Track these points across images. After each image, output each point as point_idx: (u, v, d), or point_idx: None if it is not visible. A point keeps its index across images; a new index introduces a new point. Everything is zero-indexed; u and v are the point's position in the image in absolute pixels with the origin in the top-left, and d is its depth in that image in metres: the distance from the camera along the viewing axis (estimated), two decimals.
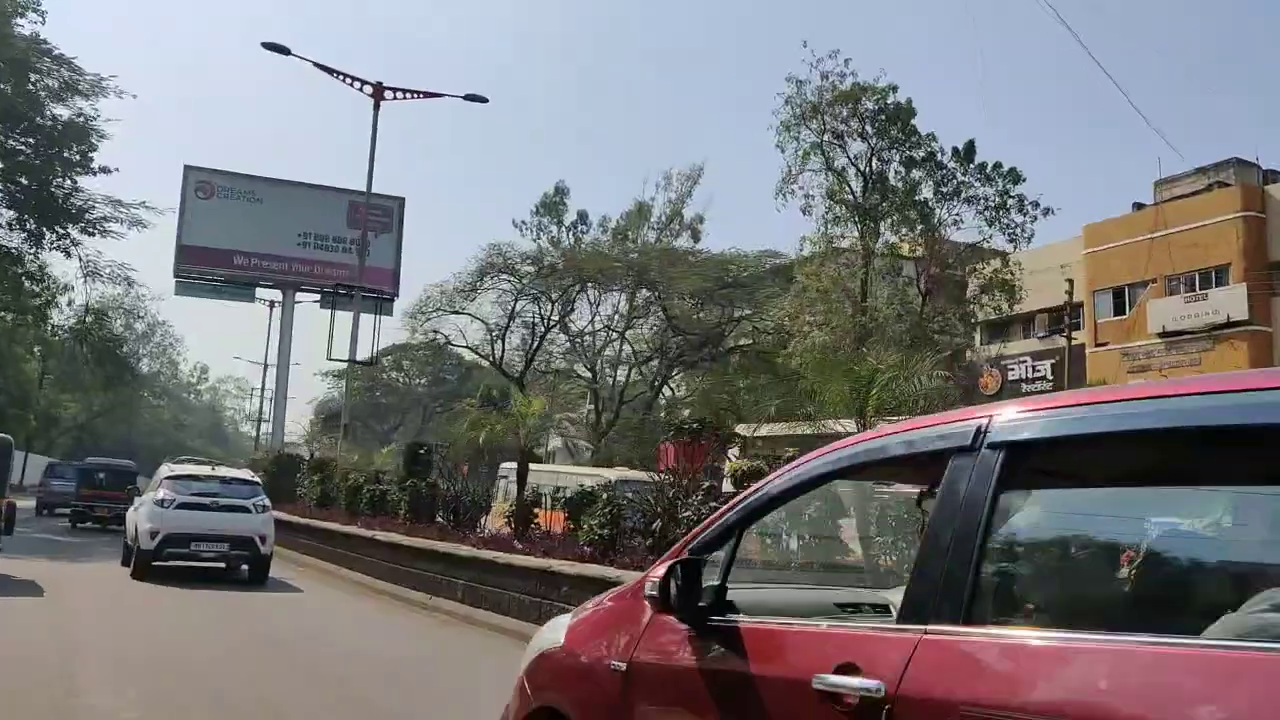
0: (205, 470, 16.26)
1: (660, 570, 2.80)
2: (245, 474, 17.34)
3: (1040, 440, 2.16)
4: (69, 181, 27.77)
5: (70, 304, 30.85)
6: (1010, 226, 24.45)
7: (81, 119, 27.12)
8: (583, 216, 43.64)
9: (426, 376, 65.78)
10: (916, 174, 25.92)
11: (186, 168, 33.89)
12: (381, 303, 29.14)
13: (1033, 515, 2.42)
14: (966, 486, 2.16)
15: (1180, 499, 2.28)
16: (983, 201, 24.45)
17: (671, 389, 38.57)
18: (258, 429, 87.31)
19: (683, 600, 2.72)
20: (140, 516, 14.67)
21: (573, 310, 34.46)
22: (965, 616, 2.05)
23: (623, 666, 2.89)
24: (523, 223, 41.72)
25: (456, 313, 35.39)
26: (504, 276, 34.62)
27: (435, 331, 35.46)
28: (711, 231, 44.59)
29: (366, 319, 37.70)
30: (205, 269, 33.39)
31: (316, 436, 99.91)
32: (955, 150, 25.08)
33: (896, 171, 26.17)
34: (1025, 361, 32.12)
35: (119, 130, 75.66)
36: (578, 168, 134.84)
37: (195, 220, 32.82)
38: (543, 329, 34.52)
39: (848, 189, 26.82)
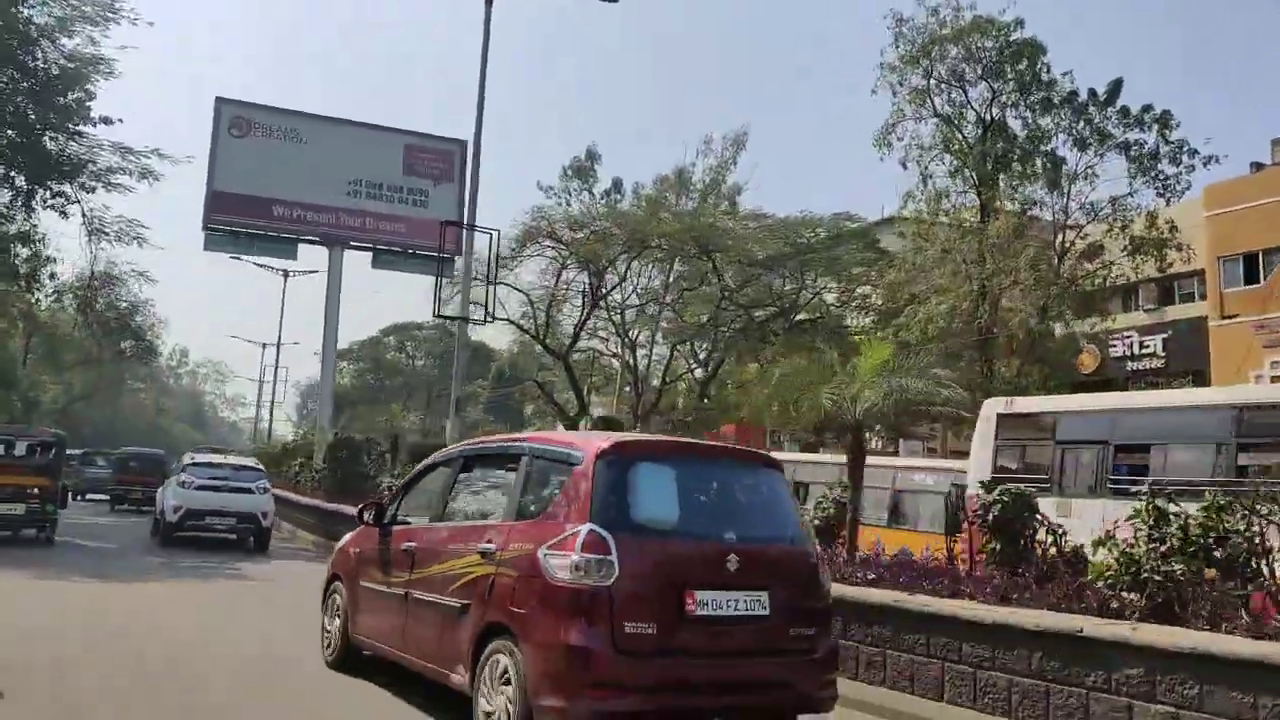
0: (219, 458, 20.57)
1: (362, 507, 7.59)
2: (251, 461, 21.24)
3: (471, 456, 6.86)
4: (65, 132, 23.97)
5: (64, 267, 27.07)
6: (1162, 178, 21.56)
7: (75, 65, 23.29)
8: (617, 184, 40.25)
9: (432, 357, 62.19)
10: (1046, 120, 22.88)
11: (219, 100, 28.98)
12: (443, 262, 25.61)
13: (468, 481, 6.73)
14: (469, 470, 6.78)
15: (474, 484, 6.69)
16: (1135, 149, 21.47)
17: (703, 366, 35.50)
18: (257, 414, 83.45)
19: (372, 518, 7.31)
20: (166, 495, 18.38)
21: (625, 280, 31.10)
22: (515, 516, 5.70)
23: (355, 550, 7.61)
24: (549, 187, 38.28)
25: (494, 283, 32.05)
26: (548, 244, 31.33)
27: (477, 305, 32.04)
28: (751, 202, 40.52)
29: (415, 280, 33.89)
30: (240, 219, 28.30)
31: (305, 421, 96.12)
32: (1092, 93, 22.12)
33: (1021, 117, 23.14)
34: (1130, 337, 29.27)
35: (136, 63, 69.08)
36: (615, 132, 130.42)
37: (229, 162, 27.76)
38: (590, 301, 31.17)
39: (961, 138, 23.74)
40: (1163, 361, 28.57)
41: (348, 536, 7.93)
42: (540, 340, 31.68)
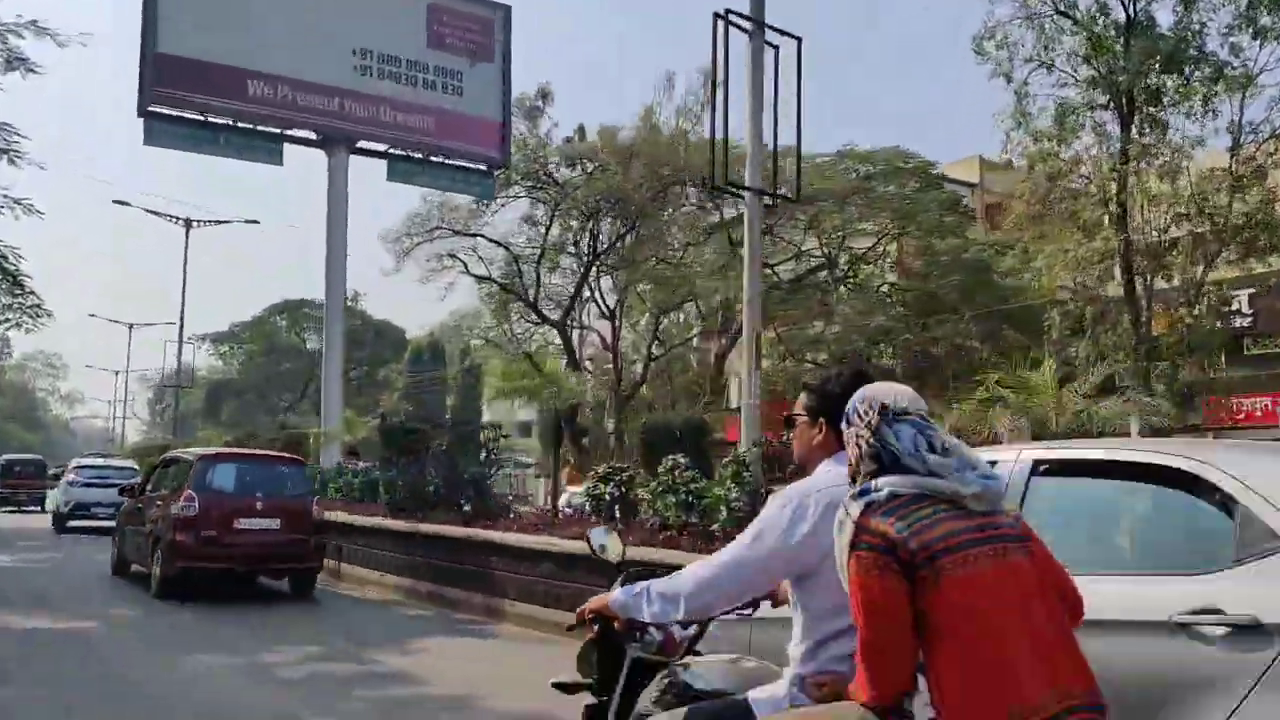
0: (100, 461, 26.67)
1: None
2: (127, 463, 27.34)
3: (169, 459, 13.93)
4: None
5: None
6: None
7: None
8: (582, 132, 34.48)
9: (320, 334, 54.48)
10: (1197, 15, 18.85)
11: None
12: (480, 177, 19.18)
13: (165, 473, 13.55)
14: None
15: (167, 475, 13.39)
16: None
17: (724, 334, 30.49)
18: (113, 410, 72.95)
19: (135, 493, 14.25)
20: (59, 491, 24.10)
21: (633, 230, 25.52)
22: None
23: (125, 512, 14.33)
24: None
25: (465, 234, 26.06)
26: (532, 185, 25.58)
27: (447, 255, 25.86)
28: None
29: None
30: (199, 97, 19.13)
31: (160, 422, 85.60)
32: None
33: (1173, 10, 19.05)
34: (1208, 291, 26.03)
35: None
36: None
37: (179, 12, 18.64)
38: (588, 256, 25.60)
39: (1085, 38, 19.48)
40: (1251, 319, 25.45)
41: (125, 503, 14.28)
42: (532, 304, 25.89)
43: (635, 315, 34.44)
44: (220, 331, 53.46)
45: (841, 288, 25.60)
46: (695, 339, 35.67)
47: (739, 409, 26.06)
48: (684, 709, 2.58)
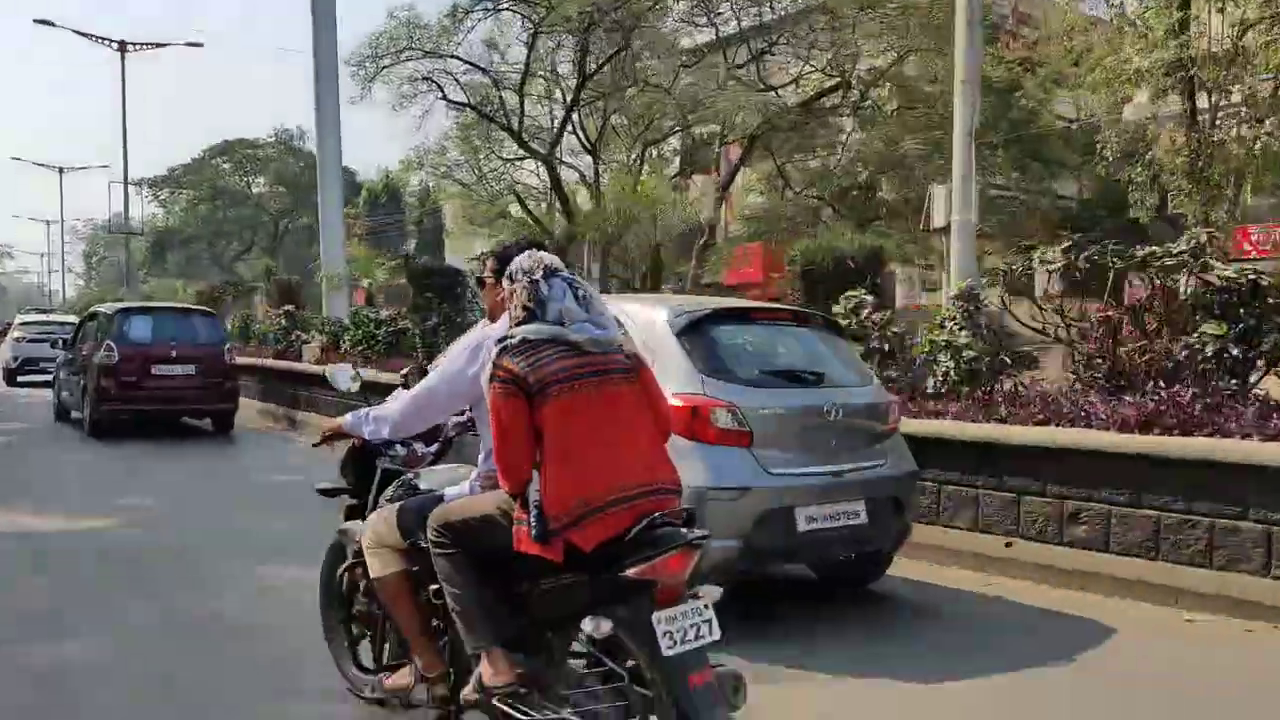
0: (43, 317, 28.12)
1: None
2: (69, 318, 26.03)
3: (88, 315, 15.95)
4: None
5: None
6: None
7: None
8: None
9: (282, 182, 51.00)
10: None
11: None
12: None
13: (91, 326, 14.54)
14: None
15: (87, 329, 15.10)
16: None
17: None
18: (52, 264, 69.03)
19: (65, 346, 16.75)
20: (6, 348, 24.59)
21: (626, 49, 22.78)
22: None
23: (61, 364, 16.42)
24: None
25: (437, 54, 23.23)
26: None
27: (422, 79, 23.07)
28: None
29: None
30: None
31: (98, 276, 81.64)
32: None
33: None
34: None
35: None
36: None
37: None
38: (576, 78, 22.94)
39: None
40: None
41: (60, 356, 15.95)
42: (516, 133, 23.38)
43: (614, 150, 32.05)
44: (159, 176, 49.64)
45: (850, 116, 23.52)
46: (675, 176, 33.54)
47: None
48: (401, 500, 3.47)
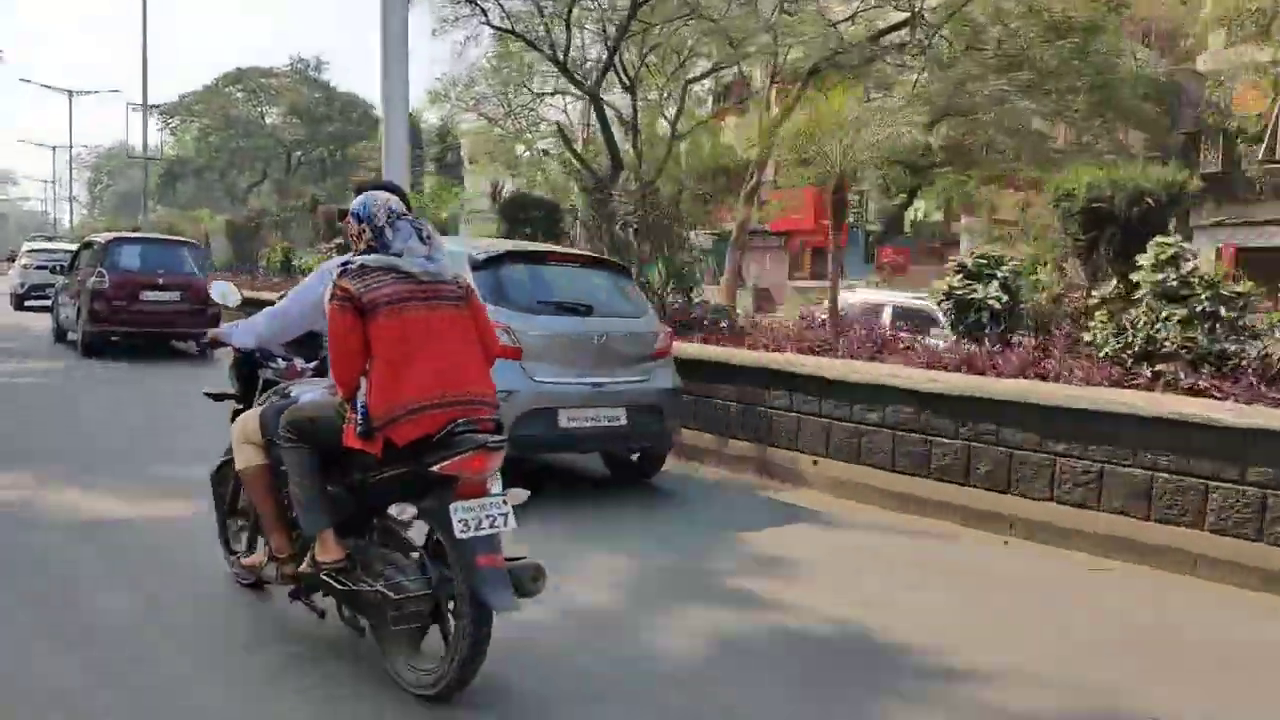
0: (49, 245, 28.25)
1: None
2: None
3: (81, 246, 17.80)
4: None
5: None
6: None
7: None
8: None
9: (295, 114, 49.29)
10: None
11: None
12: None
13: (83, 255, 15.96)
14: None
15: (83, 257, 16.10)
16: None
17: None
18: (59, 192, 67.53)
19: (65, 270, 17.08)
20: (14, 274, 25.83)
21: None
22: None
23: (61, 286, 17.24)
24: None
25: None
26: None
27: (465, 1, 21.50)
28: None
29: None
30: None
31: (101, 204, 80.00)
32: None
33: None
34: None
35: None
36: None
37: None
38: (632, 5, 21.36)
39: None
40: None
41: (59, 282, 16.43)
42: (561, 64, 21.91)
43: (649, 88, 30.49)
44: (169, 103, 47.89)
45: (913, 54, 22.02)
46: (710, 118, 32.11)
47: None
48: (269, 404, 3.90)
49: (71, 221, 64.05)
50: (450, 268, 3.55)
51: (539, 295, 6.54)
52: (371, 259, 3.40)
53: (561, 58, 21.74)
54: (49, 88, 46.49)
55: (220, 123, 47.49)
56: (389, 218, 3.45)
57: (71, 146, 53.73)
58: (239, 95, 49.23)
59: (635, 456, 7.20)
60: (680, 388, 7.00)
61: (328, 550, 3.47)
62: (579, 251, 8.43)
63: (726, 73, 26.49)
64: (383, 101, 15.65)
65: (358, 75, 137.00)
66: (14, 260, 28.32)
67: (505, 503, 3.29)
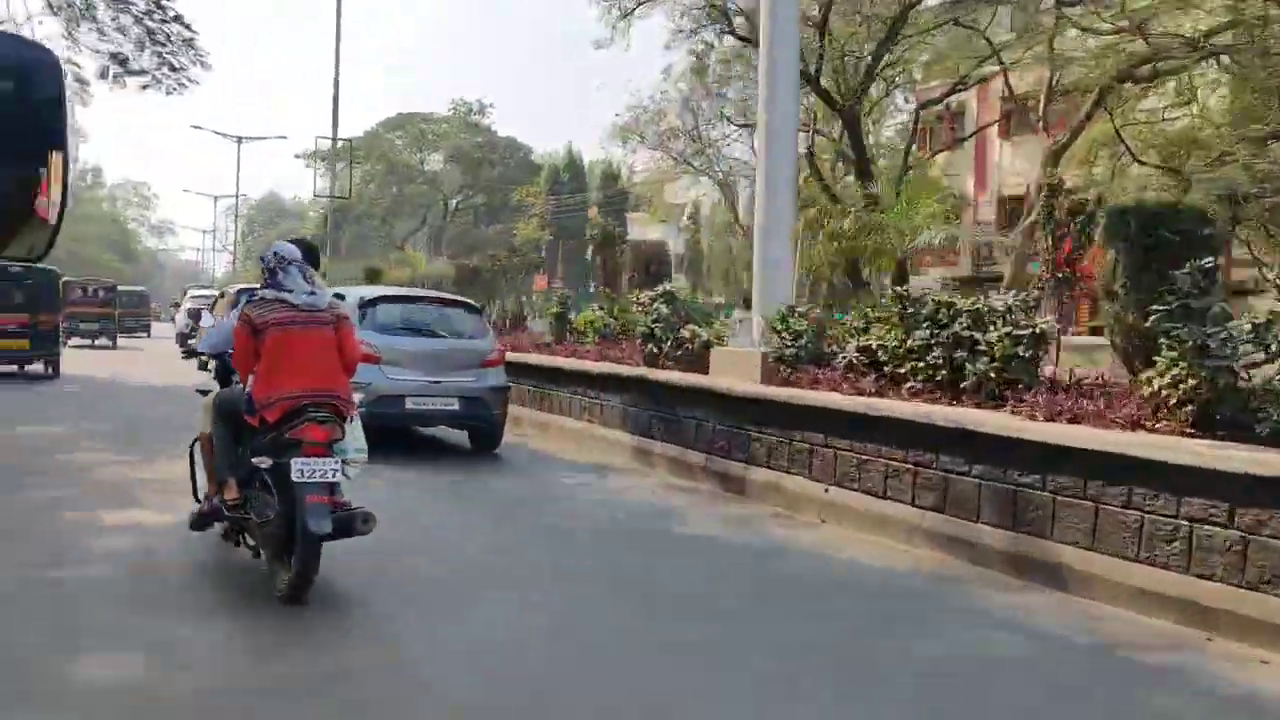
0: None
1: None
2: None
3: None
4: None
5: None
6: None
7: None
8: None
9: (455, 162, 47.72)
10: None
11: None
12: None
13: None
14: None
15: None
16: None
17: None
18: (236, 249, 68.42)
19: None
20: (181, 316, 27.72)
21: None
22: None
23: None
24: None
25: None
26: None
27: (707, 6, 18.42)
28: None
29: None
30: None
31: (252, 255, 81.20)
32: None
33: None
34: None
35: None
36: None
37: None
38: (897, 7, 17.90)
39: None
40: None
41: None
42: (814, 79, 18.52)
43: (876, 113, 27.00)
44: (330, 149, 46.94)
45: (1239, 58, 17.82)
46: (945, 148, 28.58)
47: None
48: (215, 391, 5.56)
49: (235, 267, 64.49)
50: (326, 300, 5.00)
51: (398, 323, 9.72)
52: (268, 293, 4.91)
53: (813, 69, 18.42)
54: (221, 134, 46.15)
55: (382, 169, 46.28)
56: (279, 263, 4.93)
57: (238, 192, 53.73)
58: (399, 141, 48.06)
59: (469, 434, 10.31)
60: (505, 385, 10.08)
61: (229, 491, 4.95)
62: (441, 294, 12.32)
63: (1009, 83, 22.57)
64: (764, 80, 11.25)
65: (517, 121, 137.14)
66: (179, 306, 30.74)
67: (338, 462, 4.66)
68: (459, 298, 11.58)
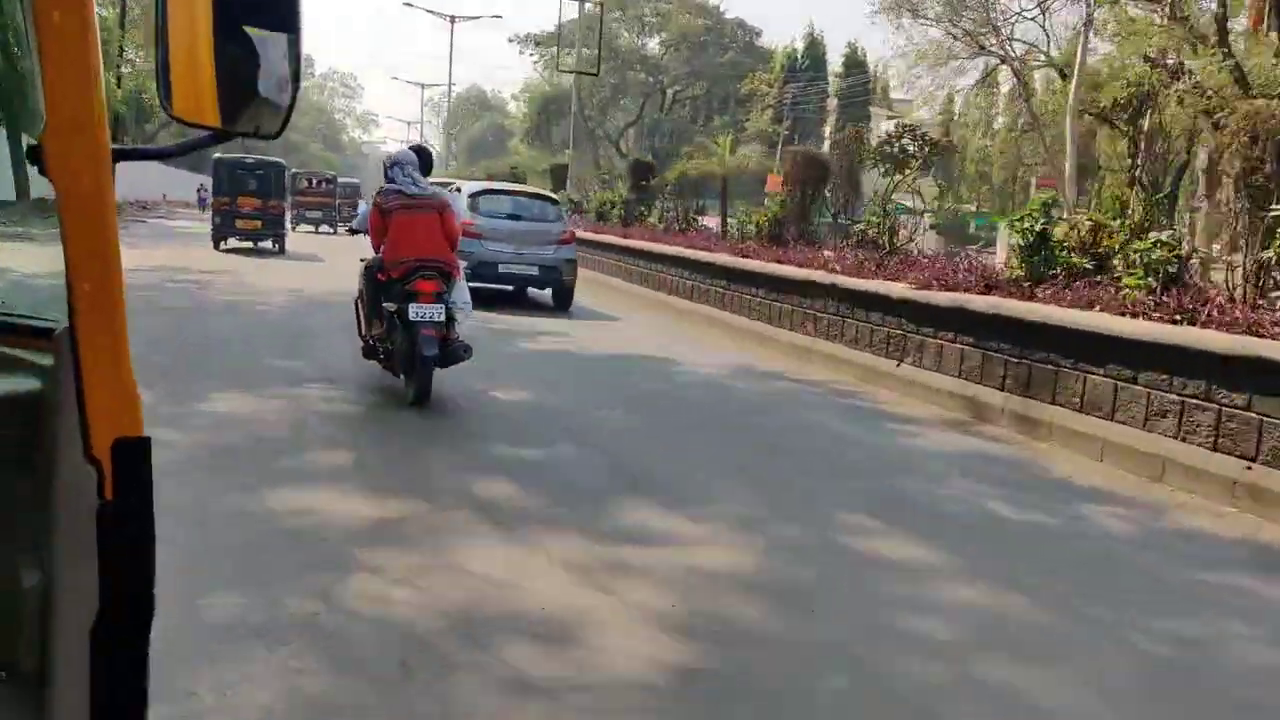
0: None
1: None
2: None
3: None
4: None
5: None
6: None
7: None
8: None
9: (676, 49, 43.62)
10: None
11: None
12: None
13: None
14: None
15: None
16: None
17: None
18: (445, 139, 67.43)
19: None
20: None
21: None
22: None
23: None
24: None
25: None
26: None
27: None
28: None
29: None
30: None
31: (457, 152, 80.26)
32: None
33: None
34: None
35: None
36: None
37: None
38: None
39: None
40: None
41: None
42: None
43: None
44: (546, 33, 44.04)
45: None
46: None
47: None
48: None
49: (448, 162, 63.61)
50: (432, 192, 7.01)
51: (496, 209, 13.70)
52: (388, 187, 6.86)
53: None
54: (433, 13, 43.90)
55: (604, 54, 42.86)
56: (395, 166, 6.89)
57: (450, 76, 51.87)
58: (616, 24, 44.40)
59: (549, 292, 14.16)
60: (572, 258, 13.93)
61: (373, 328, 7.04)
62: (528, 188, 17.50)
63: None
64: None
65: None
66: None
67: (446, 307, 6.55)
68: (542, 191, 16.69)
